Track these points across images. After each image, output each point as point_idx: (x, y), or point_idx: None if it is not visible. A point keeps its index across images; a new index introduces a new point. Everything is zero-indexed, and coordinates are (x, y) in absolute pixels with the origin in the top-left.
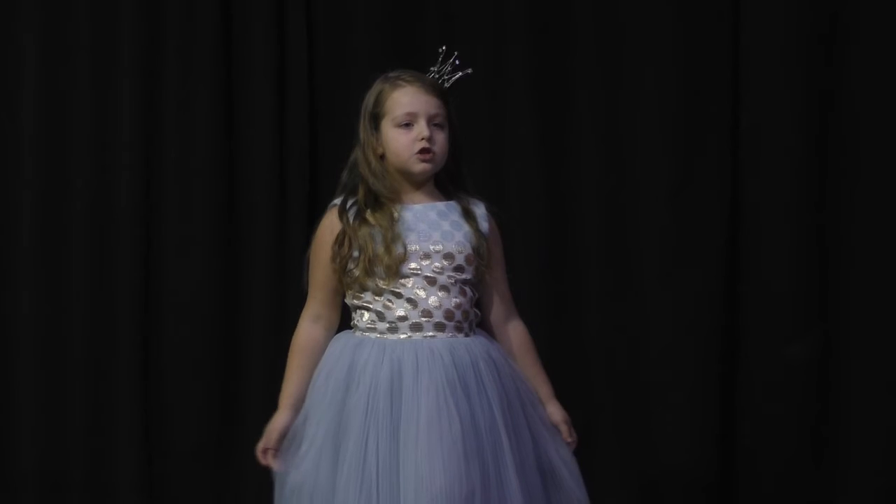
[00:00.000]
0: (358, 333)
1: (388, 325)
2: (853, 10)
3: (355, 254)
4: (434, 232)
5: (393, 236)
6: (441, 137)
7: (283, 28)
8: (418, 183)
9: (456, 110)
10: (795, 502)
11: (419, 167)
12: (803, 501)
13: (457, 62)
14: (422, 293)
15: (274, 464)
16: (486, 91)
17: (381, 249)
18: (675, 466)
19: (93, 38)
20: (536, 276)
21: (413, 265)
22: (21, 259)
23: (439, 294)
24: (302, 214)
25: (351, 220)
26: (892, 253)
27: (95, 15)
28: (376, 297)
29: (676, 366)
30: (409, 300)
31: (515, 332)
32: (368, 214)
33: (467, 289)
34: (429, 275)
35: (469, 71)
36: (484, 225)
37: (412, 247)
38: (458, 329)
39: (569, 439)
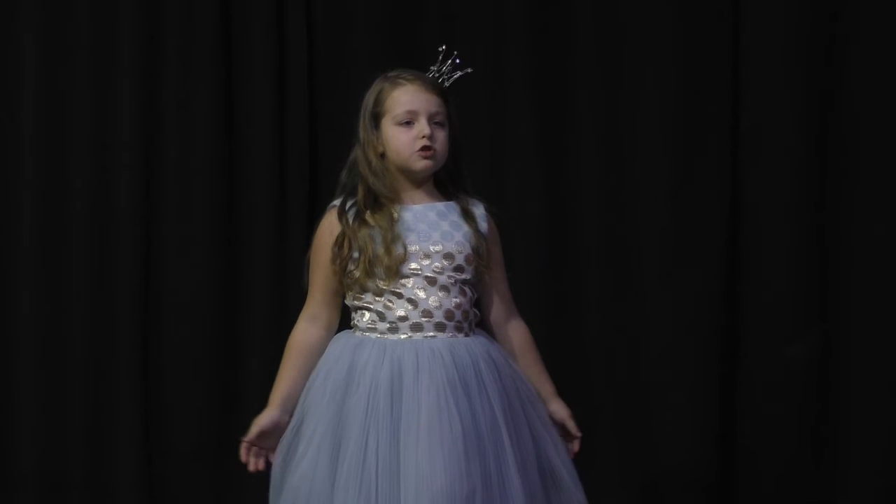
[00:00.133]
0: (358, 333)
1: (388, 325)
2: (853, 10)
3: (355, 255)
4: (434, 232)
5: (393, 237)
6: (442, 135)
7: (283, 28)
8: (418, 182)
9: (456, 110)
10: (795, 502)
11: (420, 164)
12: (803, 501)
13: (457, 61)
14: (422, 293)
15: (250, 460)
16: (486, 91)
17: (380, 250)
18: (675, 466)
19: (93, 38)
20: (536, 276)
21: (413, 265)
22: (21, 259)
23: (439, 294)
24: (302, 214)
25: (350, 221)
26: (892, 253)
27: (95, 15)
28: (377, 298)
29: (676, 366)
30: (410, 300)
31: (516, 332)
32: (368, 215)
33: (467, 289)
34: (429, 275)
35: (469, 70)
36: (483, 225)
37: (412, 247)
38: (459, 329)
39: (578, 434)
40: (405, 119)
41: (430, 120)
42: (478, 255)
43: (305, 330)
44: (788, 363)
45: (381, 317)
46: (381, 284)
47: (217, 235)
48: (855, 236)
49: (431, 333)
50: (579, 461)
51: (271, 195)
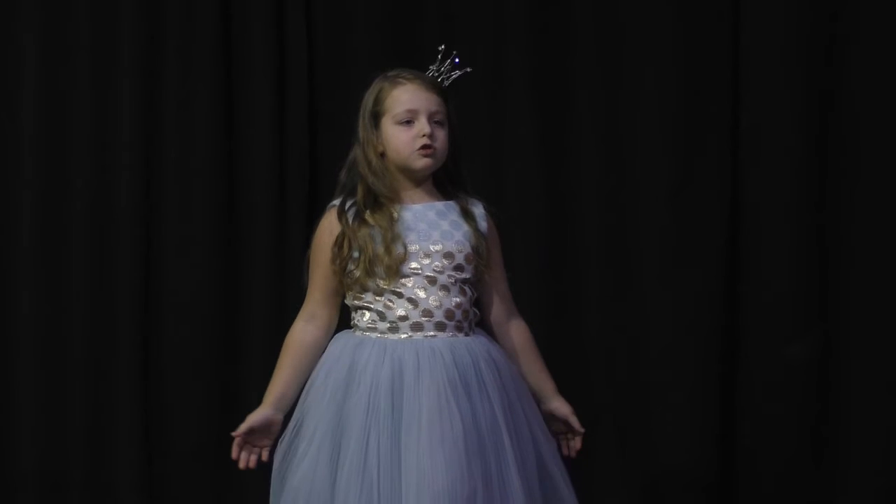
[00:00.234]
0: (358, 333)
1: (388, 324)
2: (853, 10)
3: (355, 255)
4: (434, 231)
5: (393, 236)
6: (442, 134)
7: (282, 28)
8: (418, 181)
9: (455, 110)
10: (795, 502)
11: (420, 163)
12: (803, 501)
13: (456, 61)
14: (422, 293)
15: (241, 456)
16: (486, 91)
17: (381, 250)
18: (675, 466)
19: (93, 38)
20: (536, 276)
21: (413, 265)
22: (21, 259)
23: (440, 293)
24: (302, 214)
25: (350, 220)
26: (892, 253)
27: (95, 15)
28: (377, 298)
29: (676, 366)
30: (410, 300)
31: (517, 331)
32: (367, 215)
33: (467, 288)
34: (429, 274)
35: (468, 70)
36: (483, 224)
37: (412, 247)
38: (459, 328)
39: (581, 430)
40: (405, 118)
41: (430, 119)
42: (477, 255)
43: (302, 329)
44: (788, 363)
45: (382, 316)
46: (382, 284)
47: (217, 235)
48: (855, 236)
49: (432, 333)
50: (579, 460)
51: (271, 195)
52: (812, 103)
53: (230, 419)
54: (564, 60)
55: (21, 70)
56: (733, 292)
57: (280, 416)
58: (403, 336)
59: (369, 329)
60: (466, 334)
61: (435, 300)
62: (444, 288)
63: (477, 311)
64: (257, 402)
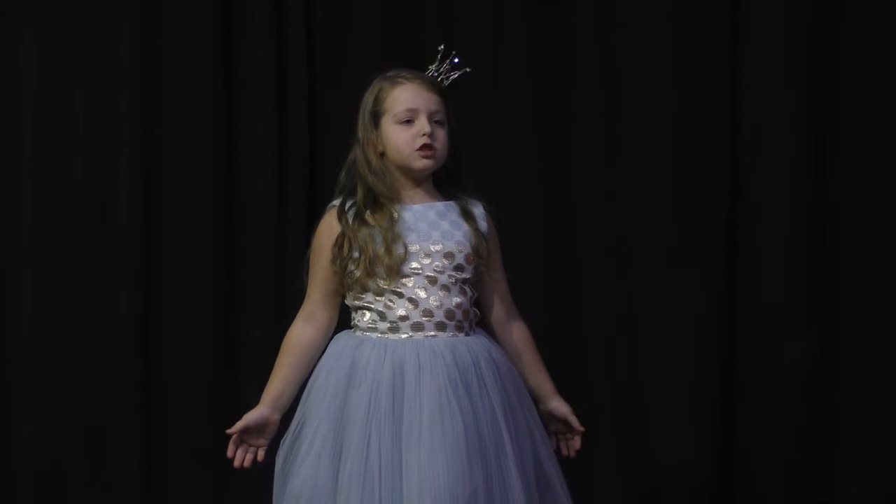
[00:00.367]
0: (359, 333)
1: (389, 324)
2: (853, 11)
3: (355, 255)
4: (434, 231)
5: (393, 236)
6: (442, 134)
7: (282, 28)
8: (418, 181)
9: (455, 110)
10: (795, 502)
11: (420, 163)
12: (803, 502)
13: (455, 60)
14: (422, 293)
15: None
16: (485, 91)
17: (381, 250)
18: (674, 466)
19: (93, 38)
20: (536, 276)
21: (414, 265)
22: (21, 259)
23: (440, 293)
24: (302, 215)
25: (350, 221)
26: (891, 253)
27: (95, 15)
28: (377, 298)
29: (676, 365)
30: (411, 300)
31: (517, 332)
32: (368, 215)
33: (467, 288)
34: (430, 274)
35: (468, 70)
36: (483, 224)
37: (412, 247)
38: (459, 328)
39: (581, 429)
40: (405, 117)
41: (430, 118)
42: (478, 255)
43: (301, 329)
44: (788, 363)
45: (382, 316)
46: (382, 284)
47: (217, 236)
48: (854, 236)
49: (432, 333)
50: (579, 460)
51: (271, 195)
52: (812, 103)
53: (230, 419)
54: (564, 60)
55: (21, 69)
56: (733, 292)
57: (277, 416)
58: (404, 336)
59: (370, 329)
60: (467, 334)
61: (435, 300)
62: (445, 288)
63: (477, 311)
64: (257, 402)
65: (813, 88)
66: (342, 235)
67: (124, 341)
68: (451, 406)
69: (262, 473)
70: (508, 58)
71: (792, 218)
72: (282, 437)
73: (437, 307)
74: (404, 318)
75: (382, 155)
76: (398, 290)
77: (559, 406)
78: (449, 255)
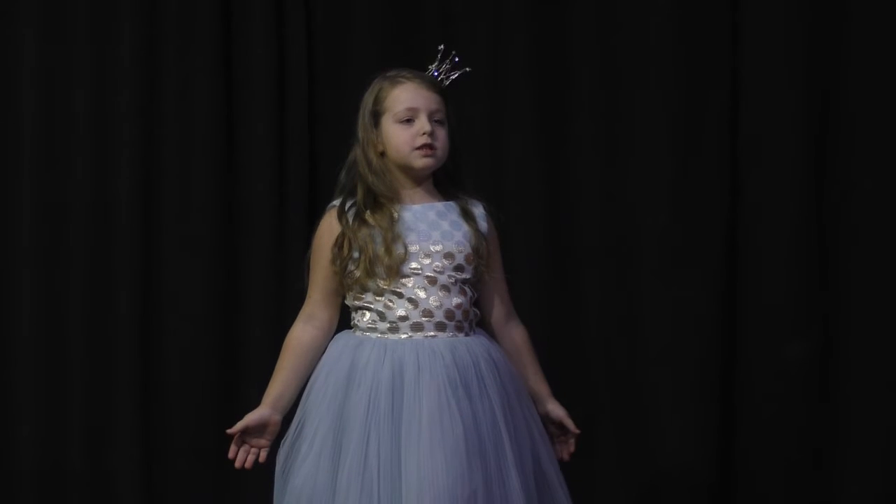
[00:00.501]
0: (358, 333)
1: (388, 324)
2: (853, 11)
3: (355, 255)
4: (434, 231)
5: (393, 236)
6: (442, 133)
7: (283, 28)
8: (418, 180)
9: (455, 110)
10: (795, 503)
11: (421, 162)
12: (803, 502)
13: (455, 60)
14: (422, 293)
15: (238, 455)
16: (485, 91)
17: (381, 250)
18: (674, 466)
19: (93, 38)
20: (536, 276)
21: (414, 265)
22: (21, 259)
23: (440, 294)
24: (302, 215)
25: (350, 221)
26: (892, 253)
27: (95, 15)
28: (377, 298)
29: (676, 366)
30: (410, 300)
31: (516, 334)
32: (368, 215)
33: (467, 288)
34: (429, 274)
35: (468, 70)
36: (483, 224)
37: (412, 247)
38: (459, 328)
39: (577, 431)
40: (405, 117)
41: (431, 118)
42: (478, 255)
43: (301, 330)
44: (788, 363)
45: (382, 316)
46: (382, 284)
47: (217, 236)
48: (854, 236)
49: (432, 333)
50: (578, 460)
51: (271, 196)
52: (812, 103)
53: (230, 419)
54: (564, 60)
55: (21, 70)
56: (733, 292)
57: (278, 417)
58: (403, 336)
59: (369, 329)
60: (467, 334)
61: (435, 300)
62: (445, 288)
63: (477, 312)
64: (257, 402)
65: (813, 88)
66: (342, 235)
67: (124, 341)
68: (450, 406)
69: (263, 473)
70: (508, 58)
71: (792, 218)
72: (282, 437)
73: (436, 307)
74: (404, 319)
75: (382, 155)
76: (398, 290)
77: (554, 409)
78: (449, 256)
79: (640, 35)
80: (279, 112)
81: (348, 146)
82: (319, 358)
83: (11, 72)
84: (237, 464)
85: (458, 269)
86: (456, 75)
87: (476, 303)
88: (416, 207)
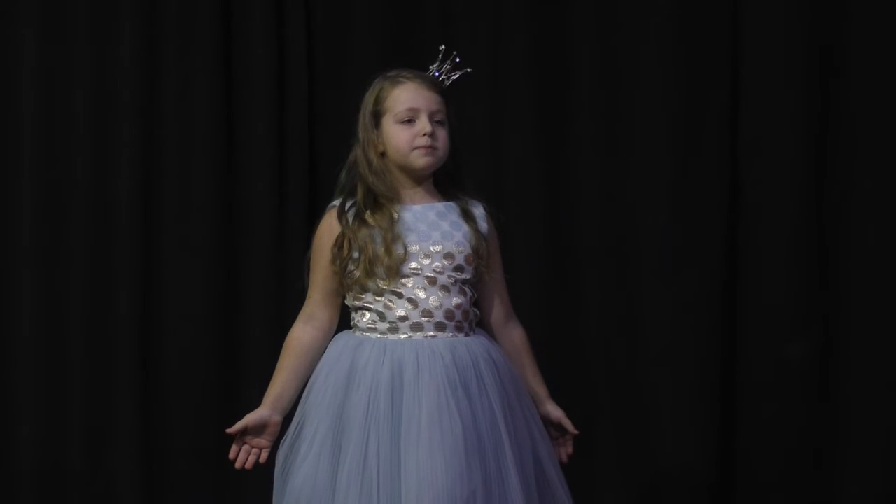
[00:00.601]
0: (358, 333)
1: (388, 325)
2: (853, 11)
3: (355, 255)
4: (434, 232)
5: (393, 237)
6: (443, 133)
7: (283, 28)
8: (418, 181)
9: (456, 110)
10: (795, 502)
11: (421, 161)
12: (803, 502)
13: (456, 60)
14: (422, 293)
15: (239, 456)
16: (485, 91)
17: (381, 250)
18: (674, 466)
19: (93, 38)
20: (536, 277)
21: (413, 265)
22: (21, 259)
23: (439, 294)
24: (302, 215)
25: (350, 221)
26: (891, 253)
27: (95, 15)
28: (377, 298)
29: (676, 366)
30: (410, 300)
31: (515, 335)
32: (367, 215)
33: (467, 288)
34: (429, 275)
35: (469, 70)
36: (483, 225)
37: (412, 247)
38: (459, 329)
39: (576, 431)
40: (406, 117)
41: (431, 118)
42: (477, 255)
43: (301, 330)
44: (788, 363)
45: (382, 317)
46: (382, 284)
47: (217, 236)
48: (854, 236)
49: (431, 333)
50: (578, 460)
51: (271, 196)
52: (812, 103)
53: (230, 419)
54: (564, 60)
55: (21, 70)
56: (733, 292)
57: (278, 417)
58: (403, 336)
59: (369, 329)
60: (466, 335)
61: (435, 300)
62: (444, 288)
63: (477, 312)
64: (257, 402)
65: (813, 88)
66: (342, 235)
67: (124, 341)
68: (449, 407)
69: (263, 473)
70: (508, 58)
71: (792, 218)
72: (283, 437)
73: (436, 307)
74: (404, 319)
75: (383, 155)
76: (398, 290)
77: (552, 410)
78: (449, 256)
79: (640, 35)
80: (279, 112)
81: (348, 146)
82: (319, 358)
83: (11, 72)
84: (237, 464)
85: (458, 269)
86: (457, 76)
87: (476, 303)
88: (417, 208)
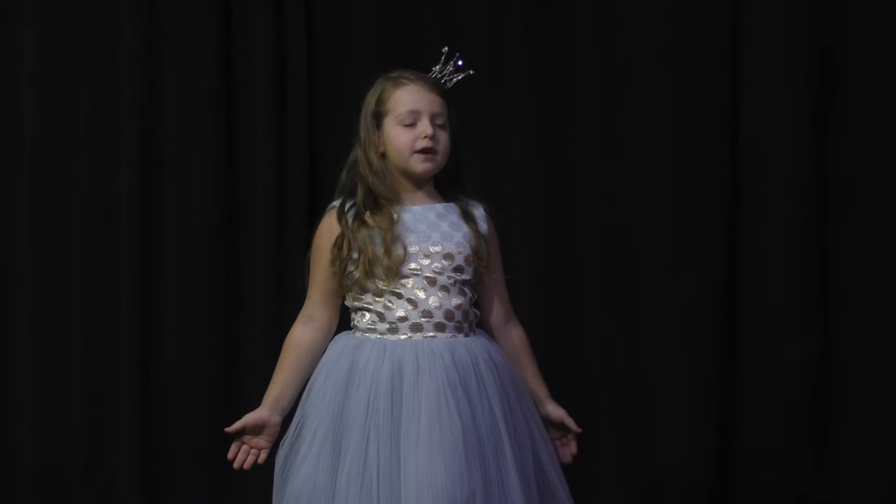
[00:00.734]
0: (358, 334)
1: (388, 325)
2: (853, 10)
3: (355, 256)
4: (433, 232)
5: (392, 238)
6: (444, 136)
7: (283, 28)
8: (418, 183)
9: (456, 111)
10: (795, 502)
11: (421, 167)
12: (803, 502)
13: (459, 63)
14: (422, 294)
15: (238, 456)
16: (485, 91)
17: (380, 251)
18: (674, 467)
19: (92, 38)
20: (536, 277)
21: (413, 265)
22: (21, 260)
23: (439, 294)
24: (302, 215)
25: (350, 222)
26: (891, 253)
27: (95, 15)
28: (377, 299)
29: (676, 366)
30: (410, 300)
31: (514, 335)
32: (367, 216)
33: (467, 289)
34: (429, 275)
35: (471, 72)
36: (483, 226)
37: (412, 248)
38: (459, 329)
39: (578, 430)
40: (408, 119)
41: (433, 121)
42: (477, 256)
43: (300, 331)
44: (788, 363)
45: (381, 317)
46: (381, 285)
47: (217, 236)
48: (854, 236)
49: (431, 334)
50: (578, 460)
51: (271, 195)
52: (812, 103)
53: (230, 419)
54: (564, 60)
55: (21, 70)
56: (732, 292)
57: (277, 418)
58: (403, 337)
59: (369, 330)
60: (466, 335)
61: (434, 301)
62: (444, 289)
63: (477, 312)
64: (257, 402)
65: (813, 88)
66: (341, 236)
67: (124, 341)
68: (449, 407)
69: (263, 474)
70: (508, 58)
71: (792, 218)
72: (283, 438)
73: (436, 308)
74: (403, 319)
75: (384, 156)
76: (397, 290)
77: (554, 410)
78: (448, 257)
79: (640, 35)
80: (279, 112)
81: (349, 146)
82: (319, 359)
83: (11, 72)
84: (236, 464)
85: (458, 270)
86: (460, 77)
87: (476, 304)
88: (416, 209)
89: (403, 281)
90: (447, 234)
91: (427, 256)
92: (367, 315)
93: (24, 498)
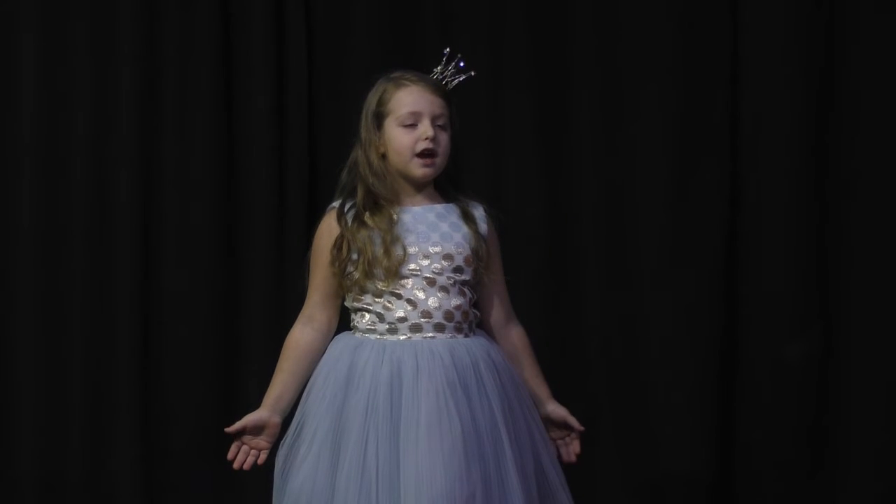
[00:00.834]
0: (357, 335)
1: (387, 326)
2: (853, 10)
3: (354, 256)
4: (433, 233)
5: (392, 238)
6: (444, 138)
7: (282, 28)
8: (418, 186)
9: (457, 112)
10: (795, 503)
11: (420, 172)
12: (803, 502)
13: (460, 64)
14: (421, 294)
15: (238, 457)
16: (485, 91)
17: (380, 252)
18: (674, 467)
19: (92, 38)
20: (536, 277)
21: (412, 266)
22: (21, 261)
23: (439, 295)
24: (301, 216)
25: (349, 222)
26: (891, 253)
27: (95, 15)
28: (376, 299)
29: (676, 366)
30: (409, 301)
31: (515, 336)
32: (367, 217)
33: (466, 290)
34: (428, 276)
35: (472, 73)
36: (483, 227)
37: (411, 248)
38: (458, 330)
39: (581, 428)
40: (409, 120)
41: (434, 122)
42: (477, 257)
43: (300, 332)
44: (788, 363)
45: (381, 318)
46: (381, 286)
47: (217, 236)
48: (854, 236)
49: (431, 334)
50: (578, 460)
51: (271, 196)
52: (812, 102)
53: (230, 419)
54: (564, 61)
55: (21, 70)
56: (732, 292)
57: (277, 419)
58: (402, 337)
59: (368, 331)
60: (466, 336)
61: (434, 301)
62: (444, 289)
63: (477, 313)
64: (257, 402)
65: (813, 87)
66: (341, 237)
67: (124, 341)
68: (448, 408)
69: (263, 474)
70: (508, 58)
71: (791, 218)
72: (283, 438)
73: (435, 308)
74: (403, 320)
75: (384, 156)
76: (397, 291)
77: (556, 409)
78: (448, 257)
79: (640, 35)
80: (279, 112)
81: (349, 146)
82: (319, 359)
83: (11, 72)
84: (235, 465)
85: (457, 270)
86: (461, 79)
87: (476, 304)
88: (416, 209)
89: (403, 282)
90: (447, 235)
91: (426, 257)
92: (367, 316)
93: (23, 499)
